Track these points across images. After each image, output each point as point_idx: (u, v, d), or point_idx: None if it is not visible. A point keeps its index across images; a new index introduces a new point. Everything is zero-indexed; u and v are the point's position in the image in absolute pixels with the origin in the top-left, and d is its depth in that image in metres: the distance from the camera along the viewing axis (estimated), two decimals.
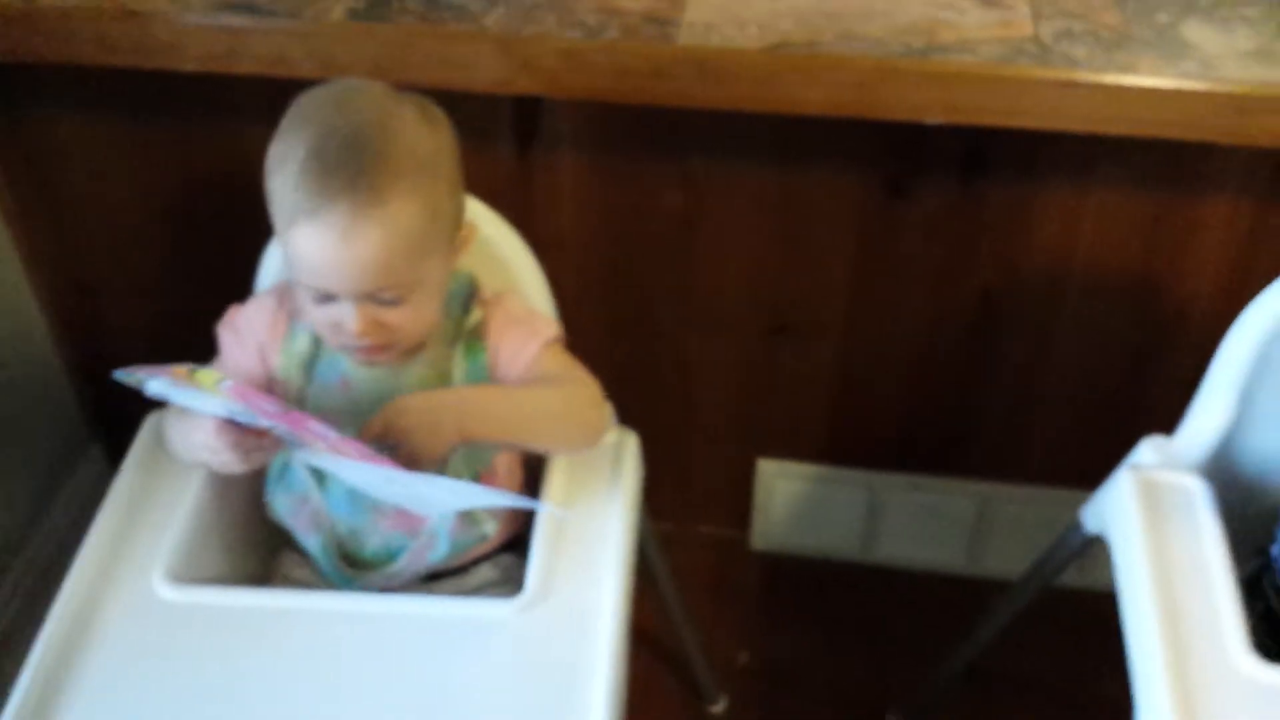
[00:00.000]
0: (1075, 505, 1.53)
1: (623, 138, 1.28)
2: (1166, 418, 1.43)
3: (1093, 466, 1.50)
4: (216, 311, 1.49)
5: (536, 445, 0.97)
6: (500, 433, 0.92)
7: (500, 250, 1.04)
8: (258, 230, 1.39)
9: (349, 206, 0.84)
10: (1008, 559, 1.61)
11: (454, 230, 0.93)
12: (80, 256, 1.46)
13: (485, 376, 0.97)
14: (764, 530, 1.65)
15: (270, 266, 1.08)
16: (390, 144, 0.86)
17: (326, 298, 0.89)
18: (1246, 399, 0.99)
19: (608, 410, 0.99)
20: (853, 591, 1.64)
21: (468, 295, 0.99)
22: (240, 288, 1.46)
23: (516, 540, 1.06)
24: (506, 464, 1.02)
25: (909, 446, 1.54)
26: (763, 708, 1.52)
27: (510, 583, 1.04)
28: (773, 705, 1.52)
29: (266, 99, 1.26)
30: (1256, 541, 1.00)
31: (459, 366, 0.97)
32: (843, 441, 1.54)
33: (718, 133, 1.26)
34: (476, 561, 1.03)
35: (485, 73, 1.07)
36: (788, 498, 1.61)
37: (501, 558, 1.05)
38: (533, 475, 1.04)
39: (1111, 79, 0.99)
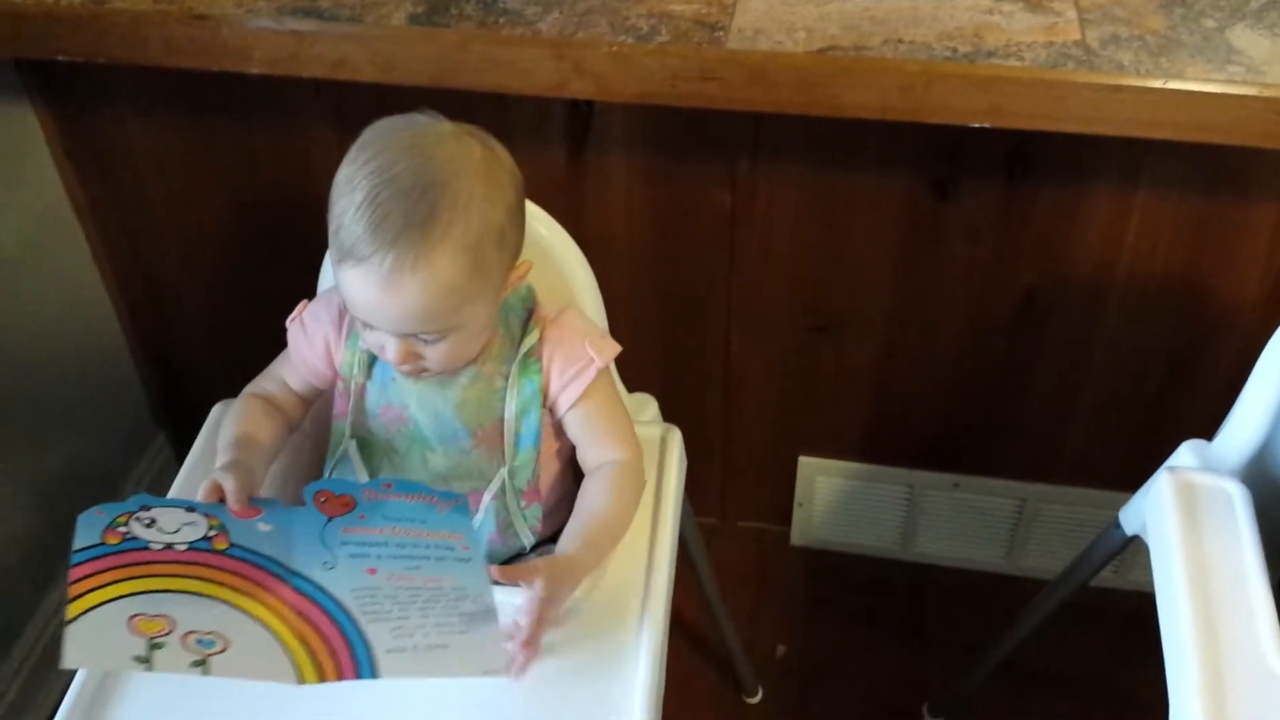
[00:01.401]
0: (1112, 506, 1.53)
1: (671, 140, 1.31)
2: (1205, 422, 1.44)
3: (1131, 469, 1.51)
4: (277, 303, 1.54)
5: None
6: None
7: (555, 253, 1.06)
8: (316, 227, 1.43)
9: (394, 259, 0.86)
10: (1045, 558, 1.62)
11: (504, 274, 0.94)
12: (149, 250, 1.51)
13: (539, 398, 0.99)
14: (804, 525, 1.67)
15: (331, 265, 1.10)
16: (445, 196, 0.87)
17: (371, 325, 0.92)
18: None
19: (641, 470, 1.02)
20: (891, 588, 1.66)
21: (527, 311, 1.01)
22: (299, 281, 1.50)
23: (559, 532, 1.09)
24: (550, 481, 1.05)
25: (949, 445, 1.55)
26: (799, 700, 1.54)
27: None
28: (809, 698, 1.55)
29: (328, 101, 1.32)
30: None
31: (514, 386, 0.99)
32: (883, 439, 1.56)
33: (765, 135, 1.28)
34: (522, 554, 1.06)
35: (540, 76, 1.10)
36: (828, 494, 1.63)
37: (547, 548, 1.07)
38: (579, 472, 1.07)
39: (1158, 84, 1.00)
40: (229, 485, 0.85)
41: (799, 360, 1.49)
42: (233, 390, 1.06)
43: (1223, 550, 0.95)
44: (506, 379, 0.99)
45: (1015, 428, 1.51)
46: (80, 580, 0.80)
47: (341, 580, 0.83)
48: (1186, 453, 1.04)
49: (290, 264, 1.50)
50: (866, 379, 1.49)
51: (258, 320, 1.56)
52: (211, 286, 1.55)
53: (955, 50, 1.05)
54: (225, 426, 1.00)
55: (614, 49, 1.07)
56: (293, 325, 1.04)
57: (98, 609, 0.82)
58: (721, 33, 1.08)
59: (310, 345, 1.03)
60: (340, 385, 1.03)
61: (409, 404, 1.00)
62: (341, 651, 0.85)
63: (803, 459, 1.60)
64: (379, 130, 0.91)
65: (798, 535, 1.69)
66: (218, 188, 1.44)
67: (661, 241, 1.40)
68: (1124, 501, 1.54)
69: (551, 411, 1.01)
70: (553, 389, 1.00)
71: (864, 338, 1.45)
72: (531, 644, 0.89)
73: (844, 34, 1.08)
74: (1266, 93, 0.99)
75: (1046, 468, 1.54)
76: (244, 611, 0.84)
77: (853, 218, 1.34)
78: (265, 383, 1.05)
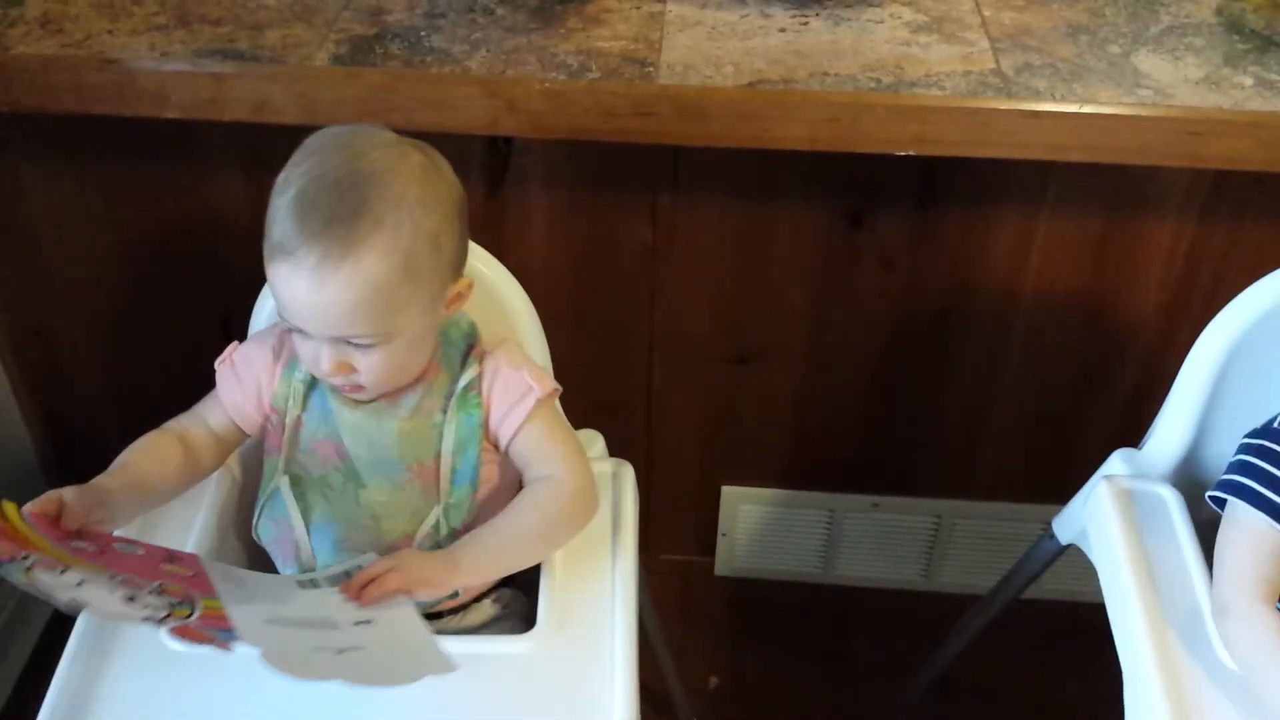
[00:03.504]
0: (1025, 519, 1.60)
1: (591, 175, 1.31)
2: (1111, 432, 1.50)
3: (1042, 481, 1.57)
4: (180, 353, 1.49)
5: (533, 563, 0.99)
6: (494, 572, 0.96)
7: (496, 289, 1.06)
8: (225, 273, 1.40)
9: (321, 252, 0.85)
10: (961, 573, 1.66)
11: (441, 285, 0.93)
12: (42, 303, 1.44)
13: (478, 434, 0.98)
14: (728, 555, 1.68)
15: (266, 306, 1.07)
16: (377, 194, 0.86)
17: (304, 332, 0.90)
18: (1207, 412, 1.04)
19: (591, 493, 0.99)
20: (815, 611, 1.68)
21: (467, 346, 1.00)
22: (204, 329, 1.46)
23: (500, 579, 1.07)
24: (493, 495, 1.03)
25: (867, 466, 1.58)
26: None
27: (512, 617, 1.05)
28: None
29: (238, 143, 1.28)
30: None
31: (453, 421, 0.97)
32: (804, 464, 1.58)
33: (684, 169, 1.30)
34: (477, 598, 1.04)
35: (470, 115, 1.09)
36: (751, 522, 1.64)
37: (502, 592, 1.06)
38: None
39: (1074, 108, 1.04)
40: (69, 499, 0.83)
41: (721, 391, 1.50)
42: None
43: (1164, 552, 0.99)
44: (445, 413, 0.98)
45: (931, 446, 1.55)
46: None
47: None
48: (1118, 461, 1.08)
49: (195, 312, 1.46)
50: (787, 406, 1.51)
51: (158, 371, 1.51)
52: (109, 338, 1.49)
53: (879, 81, 1.08)
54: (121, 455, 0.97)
55: (546, 86, 1.07)
56: (221, 367, 1.01)
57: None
58: (651, 68, 1.09)
59: (240, 387, 1.00)
60: (274, 419, 1.00)
61: (344, 437, 0.98)
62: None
63: (726, 489, 1.61)
64: (319, 135, 0.90)
65: (721, 565, 1.70)
66: (117, 236, 1.38)
67: (582, 277, 1.39)
68: (1036, 514, 1.60)
69: (495, 446, 1.00)
70: (493, 421, 0.99)
71: (784, 366, 1.47)
72: (355, 586, 0.83)
73: (770, 68, 1.10)
74: (1175, 114, 1.04)
75: (962, 484, 1.58)
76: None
77: (771, 249, 1.36)
78: (184, 419, 1.02)
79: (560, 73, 1.08)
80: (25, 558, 0.79)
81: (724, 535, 1.66)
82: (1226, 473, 0.96)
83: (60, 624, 1.45)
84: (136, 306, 1.45)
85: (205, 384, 1.50)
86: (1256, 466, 0.94)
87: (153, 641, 0.93)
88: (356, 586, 0.81)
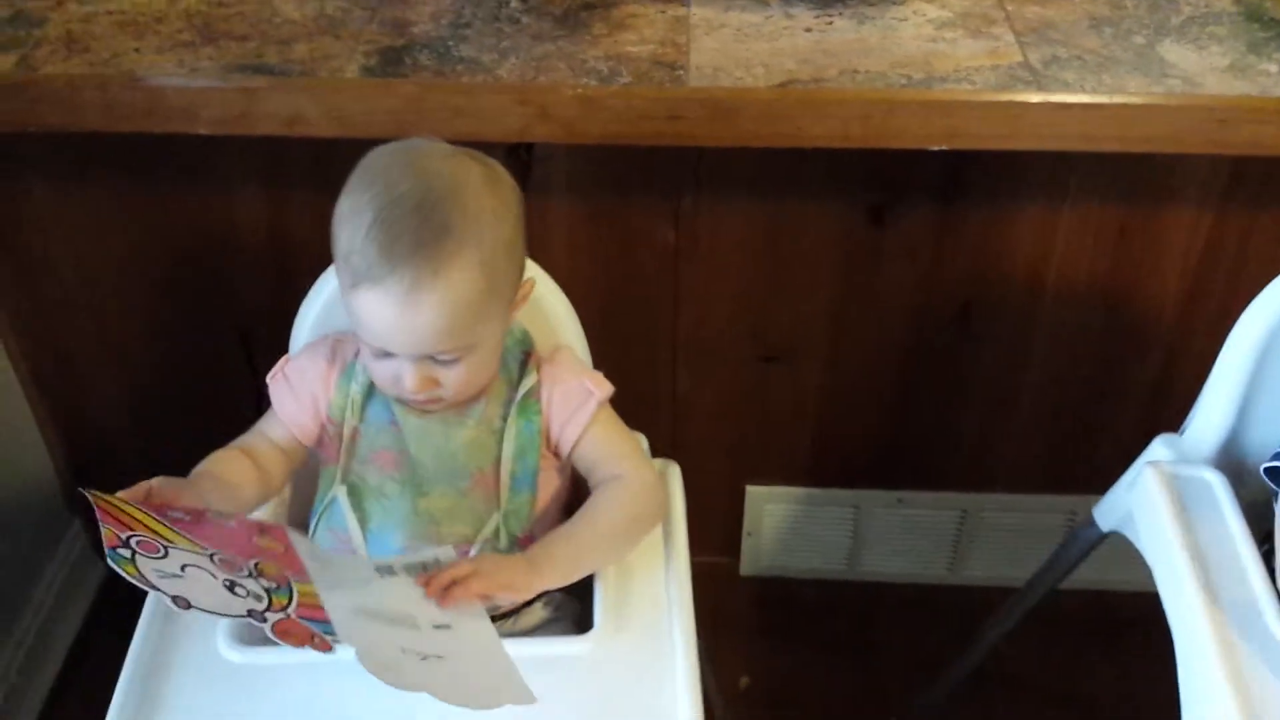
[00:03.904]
0: (1049, 510, 1.61)
1: (613, 180, 1.31)
2: (1132, 420, 1.51)
3: (1064, 472, 1.58)
4: (200, 372, 1.48)
5: (611, 564, 0.99)
6: (574, 574, 0.95)
7: (538, 292, 1.06)
8: (245, 289, 1.39)
9: (412, 277, 0.86)
10: (986, 566, 1.67)
11: (512, 291, 0.95)
12: (59, 324, 1.43)
13: (538, 440, 0.99)
14: (753, 555, 1.69)
15: (307, 319, 1.07)
16: (455, 213, 0.87)
17: (386, 354, 0.91)
18: (1249, 395, 1.05)
19: (660, 490, 1.01)
20: (841, 608, 1.69)
21: (524, 353, 1.01)
22: (225, 347, 1.46)
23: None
24: (551, 501, 1.03)
25: (892, 462, 1.58)
26: None
27: (564, 620, 1.05)
28: None
29: (256, 159, 1.28)
30: (1263, 527, 1.06)
31: (512, 428, 0.98)
32: (828, 462, 1.58)
33: (706, 171, 1.30)
34: (529, 602, 1.04)
35: (502, 122, 1.09)
36: (775, 521, 1.64)
37: (553, 595, 1.05)
38: (579, 494, 1.05)
39: (1105, 99, 1.05)
40: (157, 483, 0.83)
41: (745, 392, 1.50)
42: (153, 469, 1.00)
43: (1213, 536, 1.00)
44: (504, 420, 0.98)
45: (954, 440, 1.55)
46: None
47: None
48: (1161, 446, 1.09)
49: (214, 329, 1.45)
50: (812, 404, 1.52)
51: (178, 390, 1.51)
52: (127, 358, 1.48)
53: (910, 77, 1.09)
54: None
55: (579, 92, 1.07)
56: (274, 381, 1.01)
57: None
58: (681, 72, 1.10)
59: (295, 399, 1.01)
60: (330, 430, 1.00)
61: (409, 445, 0.98)
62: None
63: (750, 488, 1.61)
64: (376, 155, 0.91)
65: (747, 565, 1.70)
66: (132, 254, 1.38)
67: (606, 282, 1.39)
68: (1059, 505, 1.61)
69: (556, 454, 1.00)
70: (554, 429, 0.99)
71: (808, 364, 1.47)
72: (438, 586, 0.81)
73: (800, 68, 1.10)
74: (1204, 102, 1.05)
75: (985, 477, 1.59)
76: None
77: (794, 248, 1.36)
78: (246, 437, 1.02)
79: (591, 78, 1.08)
80: (128, 541, 0.79)
81: (749, 535, 1.66)
82: None
83: (90, 630, 1.44)
84: (154, 325, 1.44)
85: (226, 400, 1.51)
86: None
87: (211, 653, 0.93)
88: (439, 587, 0.80)
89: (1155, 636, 1.27)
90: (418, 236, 0.86)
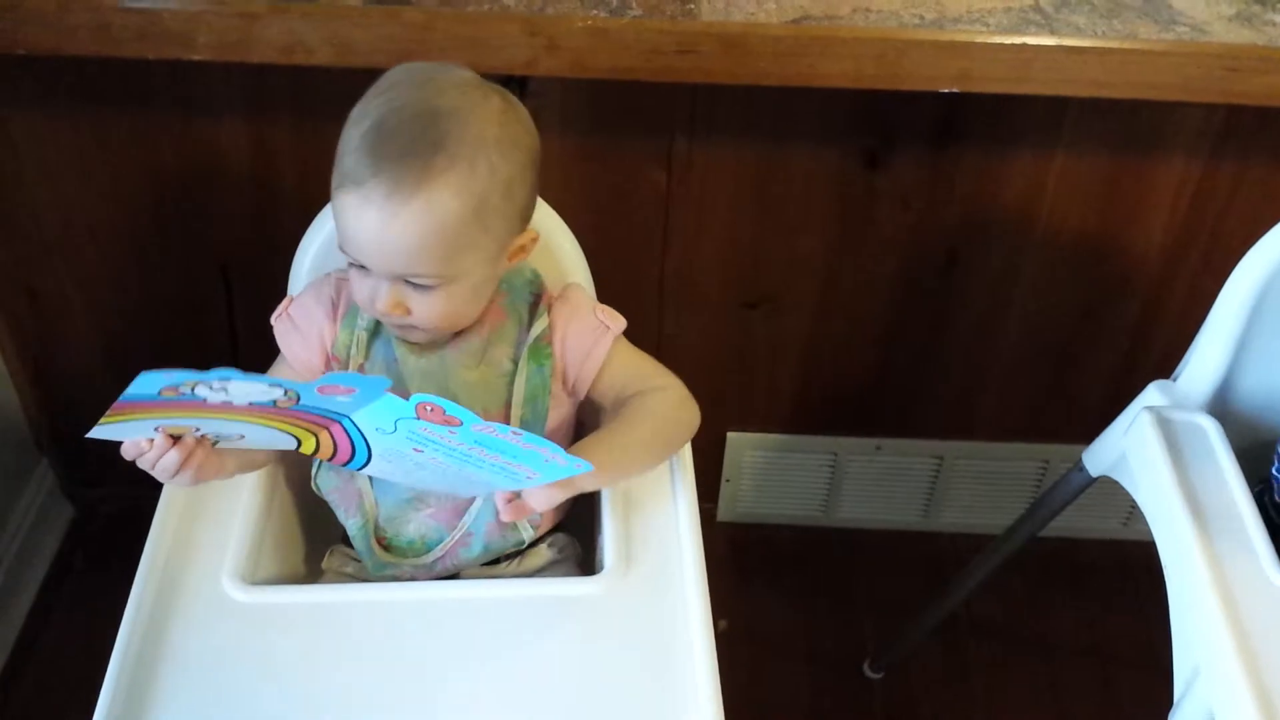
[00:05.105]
0: (1022, 458, 1.63)
1: (607, 119, 1.29)
2: (1110, 370, 1.53)
3: (1038, 421, 1.60)
4: (178, 315, 1.44)
5: (651, 468, 1.00)
6: (620, 474, 0.95)
7: (544, 228, 1.04)
8: (231, 224, 1.36)
9: (392, 183, 0.83)
10: (960, 512, 1.69)
11: (508, 231, 0.91)
12: (32, 259, 1.38)
13: (548, 385, 0.97)
14: (731, 501, 1.69)
15: (306, 257, 1.04)
16: (455, 132, 0.85)
17: (364, 269, 0.89)
18: (1242, 342, 1.07)
19: (693, 402, 1.01)
20: (818, 554, 1.70)
21: (534, 295, 0.99)
22: (204, 288, 1.42)
23: (560, 526, 1.06)
24: (556, 430, 1.02)
25: (872, 409, 1.59)
26: (748, 671, 1.56)
27: (568, 561, 1.04)
28: (757, 669, 1.57)
29: (239, 87, 1.24)
30: (1256, 472, 1.08)
31: (523, 372, 0.97)
32: (809, 409, 1.59)
33: (700, 112, 1.29)
34: (534, 543, 1.03)
35: (509, 54, 1.07)
36: (755, 468, 1.65)
37: (557, 537, 1.05)
38: (579, 427, 1.05)
39: (1117, 44, 1.05)
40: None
41: (731, 337, 1.50)
42: None
43: (1208, 479, 1.01)
44: (515, 363, 0.97)
45: (934, 388, 1.57)
46: (122, 408, 0.75)
47: (383, 440, 0.83)
48: (1155, 392, 1.10)
49: (193, 264, 1.41)
50: (796, 351, 1.52)
51: (155, 327, 1.47)
52: (103, 294, 1.44)
53: (922, 18, 1.08)
54: None
55: (589, 23, 1.05)
56: (279, 321, 0.99)
57: (130, 422, 0.78)
58: (693, 5, 1.08)
59: (301, 337, 0.98)
60: (336, 368, 0.98)
61: (411, 384, 0.96)
62: (342, 442, 0.85)
63: (731, 435, 1.61)
64: (399, 69, 0.89)
65: (725, 511, 1.70)
66: (110, 189, 1.33)
67: (595, 221, 1.37)
68: (1034, 453, 1.63)
69: (572, 393, 0.99)
70: (570, 370, 0.98)
71: (795, 311, 1.47)
72: (518, 506, 0.88)
73: (813, 4, 1.09)
74: (1214, 49, 1.06)
75: (964, 425, 1.60)
76: (269, 426, 0.82)
77: (787, 192, 1.35)
78: None
79: (601, 10, 1.07)
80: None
81: (728, 481, 1.67)
82: None
83: (58, 570, 1.40)
84: (132, 260, 1.40)
85: (205, 338, 1.47)
86: None
87: (216, 594, 0.91)
88: (507, 506, 0.84)
89: (1120, 583, 1.30)
90: (409, 145, 0.83)
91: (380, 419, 0.81)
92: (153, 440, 0.82)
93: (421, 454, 0.84)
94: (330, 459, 0.87)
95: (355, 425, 0.82)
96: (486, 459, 0.82)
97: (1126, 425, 1.11)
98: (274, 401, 0.77)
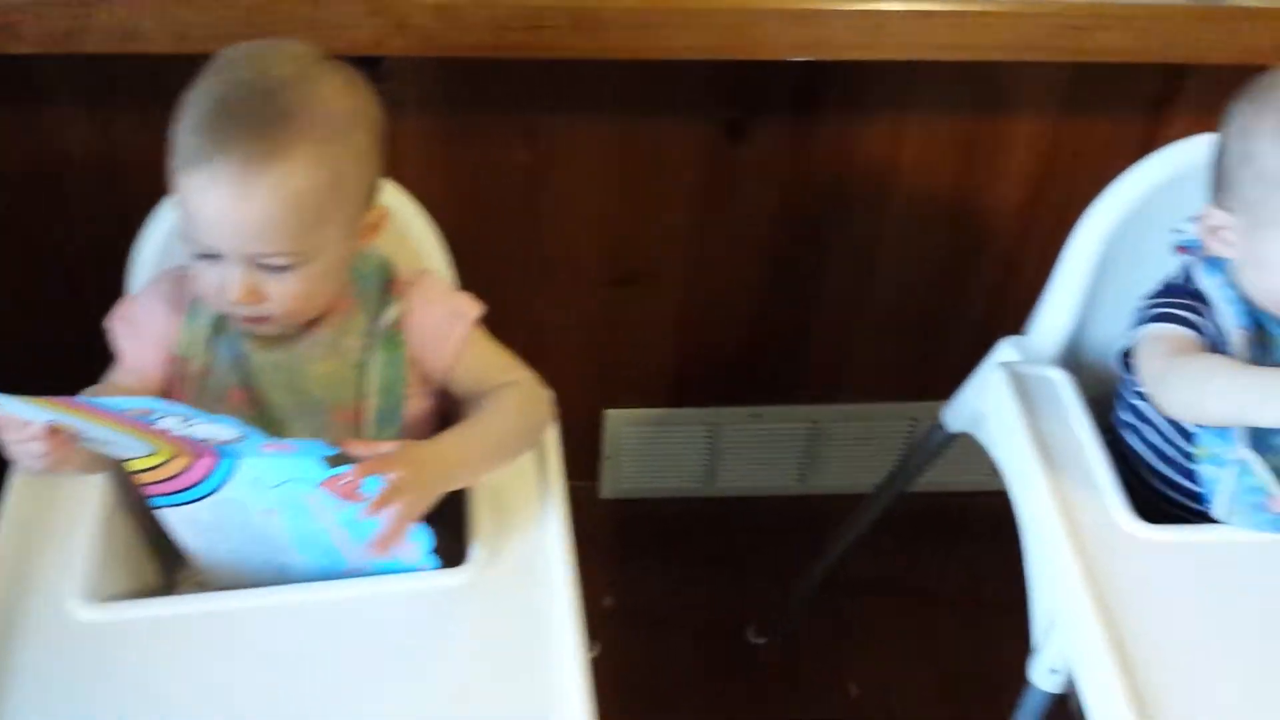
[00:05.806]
0: (894, 417, 1.66)
1: (465, 99, 1.28)
2: (972, 326, 1.57)
3: (908, 379, 1.63)
4: (18, 321, 1.38)
5: (509, 463, 0.97)
6: (479, 474, 0.93)
7: (399, 217, 1.02)
8: (72, 220, 1.31)
9: (243, 157, 0.81)
10: (833, 475, 1.72)
11: (360, 206, 0.90)
12: None
13: (404, 372, 0.95)
14: (613, 477, 1.69)
15: (145, 251, 1.01)
16: (300, 101, 0.83)
17: (212, 256, 0.86)
18: (1091, 293, 1.10)
19: (546, 398, 0.99)
20: (700, 524, 1.72)
21: (384, 282, 0.96)
22: (50, 290, 1.37)
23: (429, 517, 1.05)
24: (419, 422, 1.01)
25: (747, 379, 1.61)
26: (637, 647, 1.56)
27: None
28: (645, 643, 1.57)
29: (75, 75, 1.19)
30: (1105, 419, 1.12)
31: (377, 361, 0.95)
32: (686, 382, 1.60)
33: (562, 89, 1.28)
34: None
35: (354, 35, 1.05)
36: (634, 443, 1.66)
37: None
38: (444, 419, 1.03)
39: (964, 6, 1.07)
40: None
41: (603, 315, 1.50)
42: None
43: (1061, 431, 1.04)
44: (365, 353, 0.95)
45: (806, 354, 1.59)
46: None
47: (244, 490, 0.85)
48: (1008, 348, 1.13)
49: (36, 265, 1.36)
50: (669, 326, 1.53)
51: (4, 337, 1.41)
52: None
53: None
54: None
55: (438, 2, 1.03)
56: (118, 323, 0.95)
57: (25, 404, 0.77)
58: None
59: (139, 339, 0.95)
60: (178, 369, 0.94)
61: (260, 382, 0.94)
62: (198, 472, 0.85)
63: (609, 412, 1.61)
64: (231, 49, 0.86)
65: (607, 488, 1.71)
66: None
67: (460, 203, 1.36)
68: (903, 412, 1.66)
69: (427, 382, 0.97)
70: (428, 356, 0.96)
71: (666, 286, 1.48)
72: (385, 539, 0.85)
73: None
74: (1058, 9, 1.09)
75: (835, 388, 1.63)
76: (140, 438, 0.81)
77: (652, 166, 1.36)
78: (95, 389, 0.95)
79: None
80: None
81: (608, 458, 1.67)
82: (1137, 324, 1.00)
83: None
84: None
85: (49, 344, 1.42)
86: (1166, 305, 0.98)
87: (61, 613, 0.88)
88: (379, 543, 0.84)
89: (990, 533, 1.34)
90: (257, 118, 0.81)
91: (277, 474, 0.80)
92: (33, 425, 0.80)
93: (268, 517, 0.83)
94: (166, 480, 0.85)
95: (235, 465, 0.81)
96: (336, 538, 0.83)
97: (980, 382, 1.13)
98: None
